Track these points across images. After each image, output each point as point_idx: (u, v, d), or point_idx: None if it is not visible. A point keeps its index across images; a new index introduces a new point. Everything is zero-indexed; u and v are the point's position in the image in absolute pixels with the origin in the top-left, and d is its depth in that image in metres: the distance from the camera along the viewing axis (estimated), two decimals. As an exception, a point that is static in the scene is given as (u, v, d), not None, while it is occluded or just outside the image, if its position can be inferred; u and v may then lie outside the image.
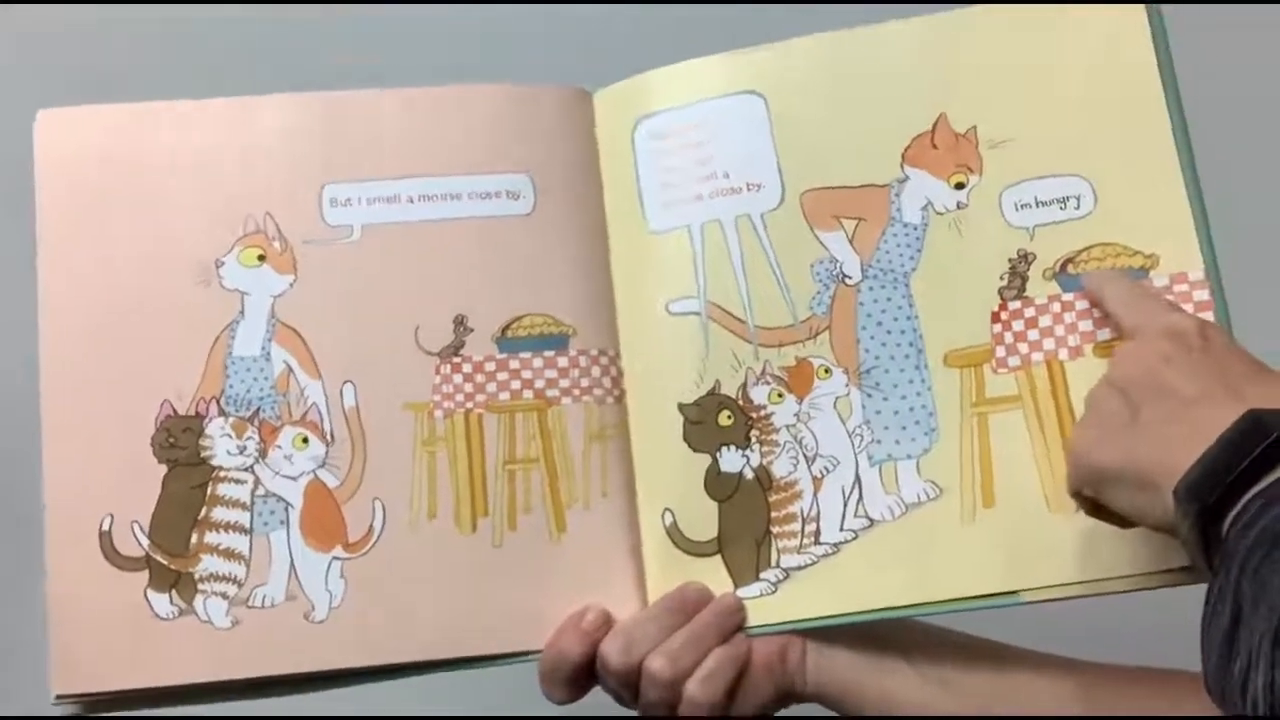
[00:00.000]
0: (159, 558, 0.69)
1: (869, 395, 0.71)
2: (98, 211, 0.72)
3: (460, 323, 0.72)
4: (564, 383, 0.72)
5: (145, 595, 0.69)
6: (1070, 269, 0.70)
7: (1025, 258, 0.70)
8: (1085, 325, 0.69)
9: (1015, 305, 0.70)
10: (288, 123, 0.73)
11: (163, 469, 0.70)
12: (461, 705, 0.93)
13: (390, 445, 0.71)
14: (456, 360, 0.72)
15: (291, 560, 0.69)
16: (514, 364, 0.72)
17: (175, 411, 0.70)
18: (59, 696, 0.68)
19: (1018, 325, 0.70)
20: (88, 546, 0.69)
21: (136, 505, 0.69)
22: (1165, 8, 0.71)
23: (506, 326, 0.72)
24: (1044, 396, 0.69)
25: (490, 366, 0.72)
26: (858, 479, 0.70)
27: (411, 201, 0.73)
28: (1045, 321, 0.69)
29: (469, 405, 0.72)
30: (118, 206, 0.72)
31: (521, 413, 0.72)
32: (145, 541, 0.69)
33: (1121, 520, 0.60)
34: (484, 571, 0.70)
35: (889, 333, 0.71)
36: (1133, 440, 0.58)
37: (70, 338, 0.71)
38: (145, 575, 0.69)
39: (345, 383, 0.71)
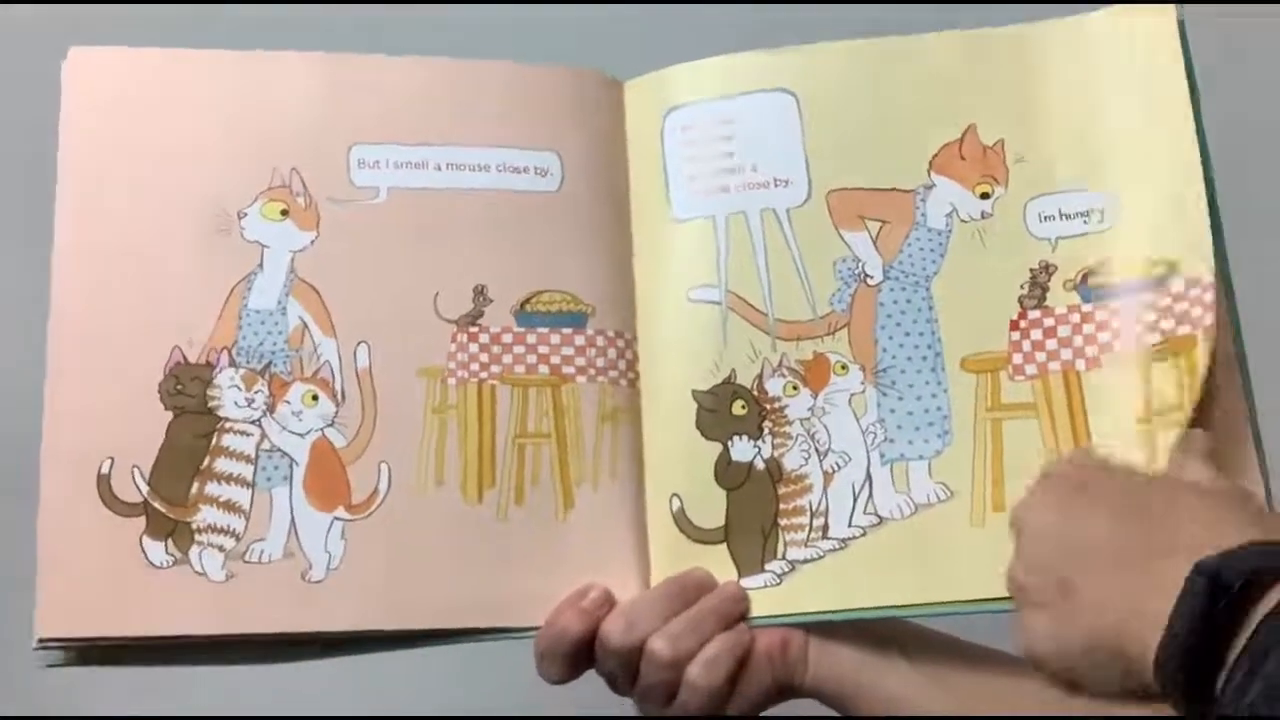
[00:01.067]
0: (157, 505, 0.68)
1: (884, 394, 0.71)
2: (122, 152, 0.71)
3: (480, 292, 0.71)
4: (580, 361, 0.72)
5: (140, 542, 0.67)
6: (1090, 281, 0.70)
7: (1047, 268, 0.71)
8: (1104, 337, 0.70)
9: (1035, 314, 0.70)
10: (322, 79, 0.73)
11: (168, 416, 0.69)
12: (455, 701, 0.91)
13: (401, 409, 0.70)
14: (474, 329, 0.71)
15: (292, 517, 0.68)
16: (531, 338, 0.71)
17: (185, 359, 0.69)
18: (41, 640, 0.66)
19: (1036, 334, 0.70)
20: (85, 488, 0.67)
21: (138, 450, 0.68)
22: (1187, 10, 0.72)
23: (526, 300, 0.72)
24: (1059, 405, 0.69)
25: (507, 338, 0.71)
26: (869, 476, 0.70)
27: (440, 169, 0.72)
28: (1064, 331, 0.70)
29: (483, 375, 0.71)
30: (143, 148, 0.71)
31: (535, 387, 0.71)
32: (144, 488, 0.68)
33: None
34: (487, 543, 0.69)
35: (907, 334, 0.71)
36: (1082, 620, 0.54)
37: (83, 277, 0.69)
38: (142, 522, 0.67)
39: (360, 343, 0.70)
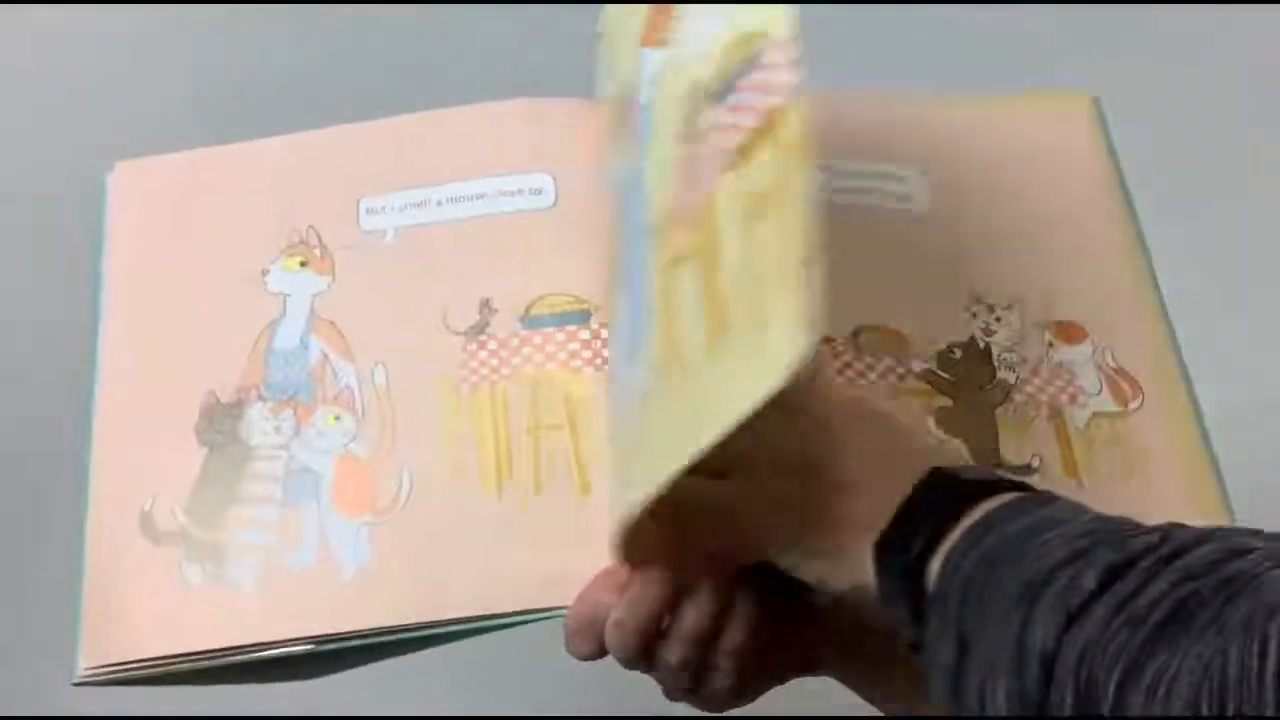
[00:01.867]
0: (194, 531, 0.71)
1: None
2: (164, 243, 0.79)
3: (486, 305, 0.75)
4: (586, 354, 0.74)
5: (179, 566, 0.70)
6: (724, 79, 0.57)
7: (702, 86, 0.60)
8: (741, 127, 0.55)
9: (702, 123, 0.59)
10: (329, 150, 0.80)
11: (204, 451, 0.73)
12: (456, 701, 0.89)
13: (419, 418, 0.72)
14: (482, 338, 0.74)
15: (321, 529, 0.70)
16: (537, 339, 0.74)
17: (219, 400, 0.74)
18: (87, 669, 0.68)
19: (702, 149, 0.59)
20: (128, 525, 0.71)
21: (177, 485, 0.72)
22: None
23: (530, 305, 0.75)
24: (710, 225, 0.57)
25: (514, 342, 0.74)
26: None
27: (440, 204, 0.78)
28: (717, 140, 0.57)
29: (494, 379, 0.73)
30: (182, 235, 0.79)
31: (545, 383, 0.73)
32: (182, 518, 0.71)
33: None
34: (510, 532, 0.70)
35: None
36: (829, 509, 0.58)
37: (126, 342, 0.76)
38: (180, 548, 0.70)
39: (377, 364, 0.74)
